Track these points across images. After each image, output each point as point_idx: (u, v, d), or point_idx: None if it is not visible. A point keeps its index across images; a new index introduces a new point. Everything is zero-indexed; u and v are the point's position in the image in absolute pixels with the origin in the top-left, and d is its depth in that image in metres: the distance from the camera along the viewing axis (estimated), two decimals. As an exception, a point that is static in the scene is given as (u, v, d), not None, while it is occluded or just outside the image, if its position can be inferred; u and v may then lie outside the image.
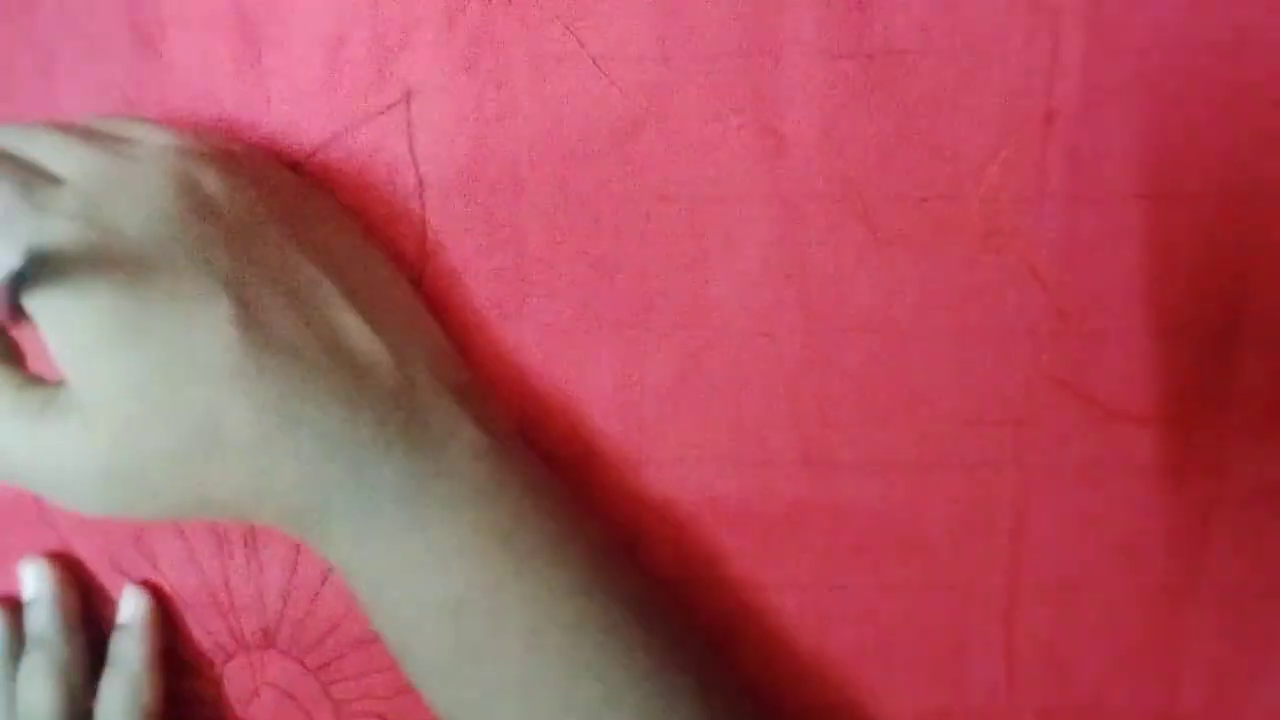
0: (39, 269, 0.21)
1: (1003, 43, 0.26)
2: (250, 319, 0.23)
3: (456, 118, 0.27)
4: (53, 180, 0.23)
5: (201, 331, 0.23)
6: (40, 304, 0.22)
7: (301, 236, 0.25)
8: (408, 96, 0.28)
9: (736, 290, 0.28)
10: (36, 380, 0.24)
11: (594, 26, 0.27)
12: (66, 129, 0.25)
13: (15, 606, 0.31)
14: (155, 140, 0.25)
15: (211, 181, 0.24)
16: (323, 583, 0.31)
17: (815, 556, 0.29)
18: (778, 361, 0.28)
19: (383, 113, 0.28)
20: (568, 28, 0.27)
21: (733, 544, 0.29)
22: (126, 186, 0.23)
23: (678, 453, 0.29)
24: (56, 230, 0.22)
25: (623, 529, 0.29)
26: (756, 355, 0.28)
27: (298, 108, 0.28)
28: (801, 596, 0.29)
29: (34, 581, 0.31)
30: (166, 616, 0.32)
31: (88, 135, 0.25)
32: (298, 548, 0.30)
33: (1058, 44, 0.26)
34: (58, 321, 0.22)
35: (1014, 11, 0.26)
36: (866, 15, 0.26)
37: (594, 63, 0.27)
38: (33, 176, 0.23)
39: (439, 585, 0.24)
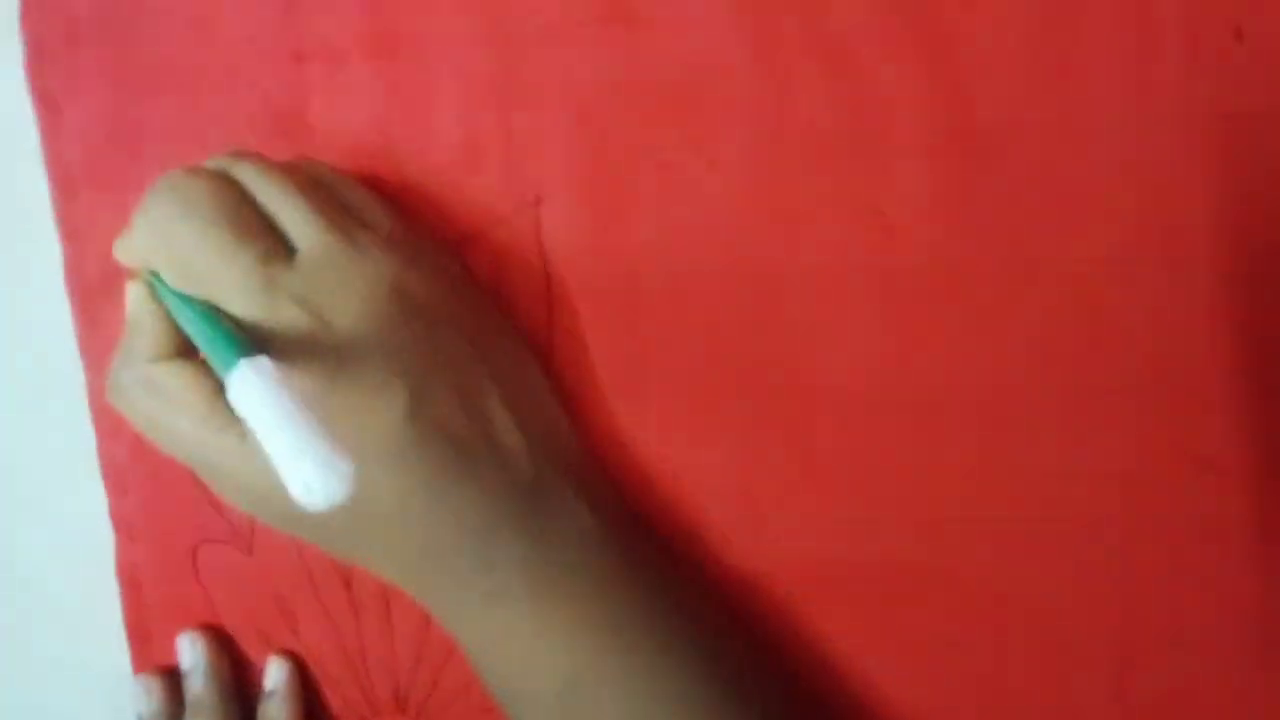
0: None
1: (1103, 121, 0.27)
2: (420, 410, 0.25)
3: (582, 218, 0.30)
4: (287, 252, 0.26)
5: (375, 416, 0.25)
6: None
7: (472, 334, 0.27)
8: (537, 200, 0.30)
9: (844, 367, 0.29)
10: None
11: (707, 130, 0.29)
12: (313, 192, 0.27)
13: (174, 675, 0.34)
14: (381, 226, 0.27)
15: (416, 283, 0.26)
16: (451, 650, 0.32)
17: (928, 619, 0.29)
18: (886, 433, 0.29)
19: (514, 216, 0.30)
20: (683, 132, 0.29)
21: (844, 612, 0.30)
22: (350, 282, 0.25)
23: (788, 526, 0.30)
24: (281, 314, 0.24)
25: (732, 602, 0.30)
26: (865, 429, 0.29)
27: (434, 210, 0.30)
28: (915, 660, 0.29)
29: (190, 652, 0.33)
30: (307, 681, 0.34)
31: (327, 205, 0.27)
32: (428, 614, 0.32)
33: (1159, 124, 0.27)
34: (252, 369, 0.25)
35: (1112, 92, 0.27)
36: (967, 98, 0.27)
37: (706, 162, 0.29)
38: (273, 250, 0.26)
39: (549, 666, 0.26)
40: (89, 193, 0.32)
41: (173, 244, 0.26)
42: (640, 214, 0.29)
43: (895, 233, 0.28)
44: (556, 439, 0.28)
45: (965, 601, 0.29)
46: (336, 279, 0.25)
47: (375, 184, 0.30)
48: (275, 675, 0.33)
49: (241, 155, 0.28)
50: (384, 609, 0.33)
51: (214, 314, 0.25)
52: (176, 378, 0.26)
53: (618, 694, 0.26)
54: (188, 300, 0.25)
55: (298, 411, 0.21)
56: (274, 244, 0.26)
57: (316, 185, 0.28)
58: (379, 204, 0.29)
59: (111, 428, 0.33)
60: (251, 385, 0.22)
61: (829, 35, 0.28)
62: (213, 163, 0.28)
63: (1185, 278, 0.27)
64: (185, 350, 0.27)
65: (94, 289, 0.32)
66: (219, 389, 0.25)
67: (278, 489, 0.23)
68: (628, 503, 0.30)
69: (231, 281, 0.25)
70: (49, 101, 0.31)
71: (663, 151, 0.29)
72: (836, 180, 0.28)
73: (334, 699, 0.34)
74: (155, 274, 0.27)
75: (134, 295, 0.27)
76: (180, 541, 0.33)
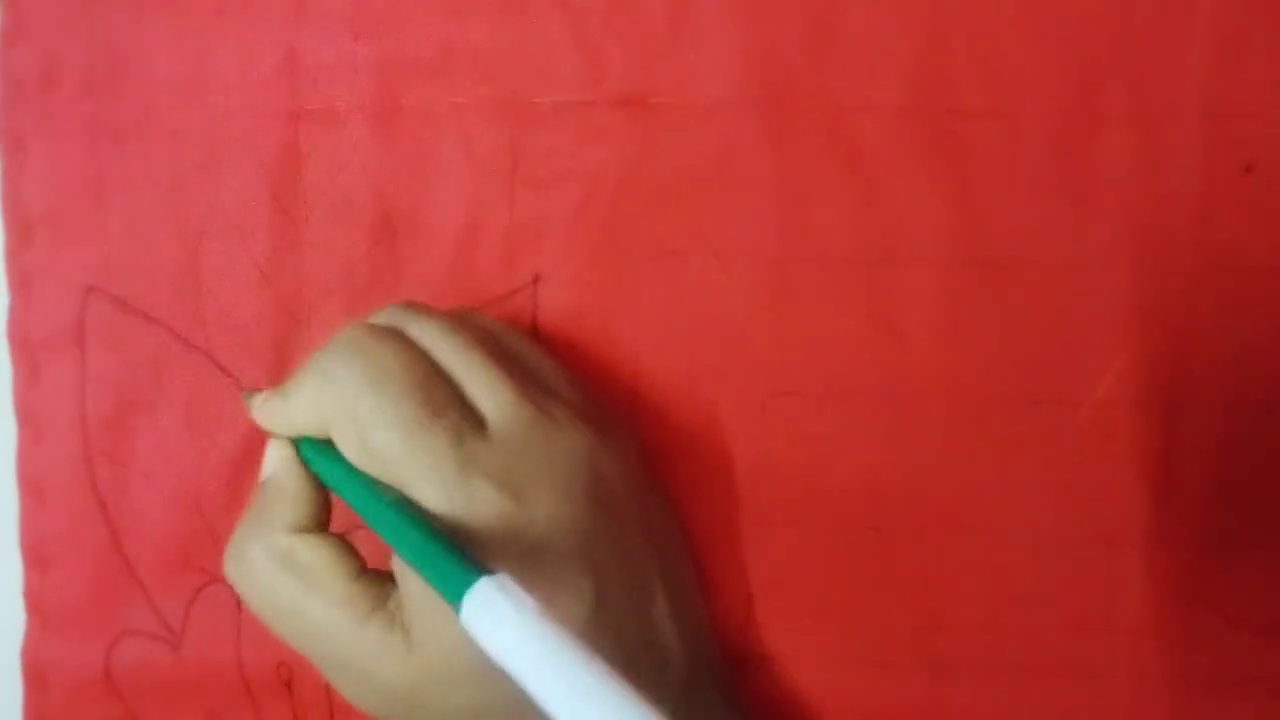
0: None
1: (1117, 256, 0.27)
2: (600, 611, 0.22)
3: (581, 302, 0.28)
4: (479, 424, 0.23)
5: (561, 611, 0.22)
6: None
7: (647, 525, 0.25)
8: (535, 280, 0.29)
9: (850, 485, 0.28)
10: (370, 576, 0.23)
11: (717, 225, 0.28)
12: (497, 357, 0.24)
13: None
14: (569, 396, 0.25)
15: (609, 465, 0.24)
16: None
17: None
18: (890, 559, 0.28)
19: (510, 295, 0.29)
20: (691, 224, 0.28)
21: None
22: (548, 461, 0.23)
23: (788, 651, 0.28)
24: (480, 498, 0.22)
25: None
26: (868, 552, 0.28)
27: (427, 288, 0.29)
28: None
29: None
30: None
31: (516, 371, 0.24)
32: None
33: (1171, 259, 0.27)
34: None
35: (1128, 227, 0.27)
36: (984, 225, 0.27)
37: (715, 258, 0.28)
38: (465, 422, 0.23)
39: None
40: (46, 240, 0.30)
41: (359, 422, 0.22)
42: (643, 304, 0.28)
43: (908, 350, 0.28)
44: (703, 639, 0.26)
45: None
46: (535, 457, 0.23)
47: (373, 253, 0.29)
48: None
49: (414, 309, 0.25)
50: (328, 717, 0.29)
51: (404, 501, 0.22)
52: (319, 552, 0.23)
53: None
54: (372, 484, 0.22)
55: (574, 646, 0.17)
56: (465, 417, 0.23)
57: (497, 346, 0.25)
58: (559, 368, 0.26)
59: (38, 495, 0.30)
60: (502, 612, 0.18)
61: (851, 139, 0.28)
62: (385, 316, 0.25)
63: (1194, 417, 0.27)
64: (326, 524, 0.24)
65: (39, 343, 0.30)
66: (362, 571, 0.23)
67: (426, 689, 0.21)
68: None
69: (423, 463, 0.22)
70: (15, 140, 0.29)
71: (670, 241, 0.28)
72: (850, 290, 0.28)
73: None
74: (310, 441, 0.24)
75: (275, 454, 0.25)
76: (100, 636, 0.30)
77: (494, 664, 0.20)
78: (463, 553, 0.20)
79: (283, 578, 0.23)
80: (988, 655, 0.28)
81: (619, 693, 0.17)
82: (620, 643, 0.23)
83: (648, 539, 0.25)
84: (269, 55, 0.29)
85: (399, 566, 0.23)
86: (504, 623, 0.18)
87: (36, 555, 0.30)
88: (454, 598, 0.19)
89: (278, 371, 0.29)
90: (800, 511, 0.28)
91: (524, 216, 0.28)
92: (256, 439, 0.29)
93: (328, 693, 0.29)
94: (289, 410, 0.24)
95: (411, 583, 0.22)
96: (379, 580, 0.23)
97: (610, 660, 0.22)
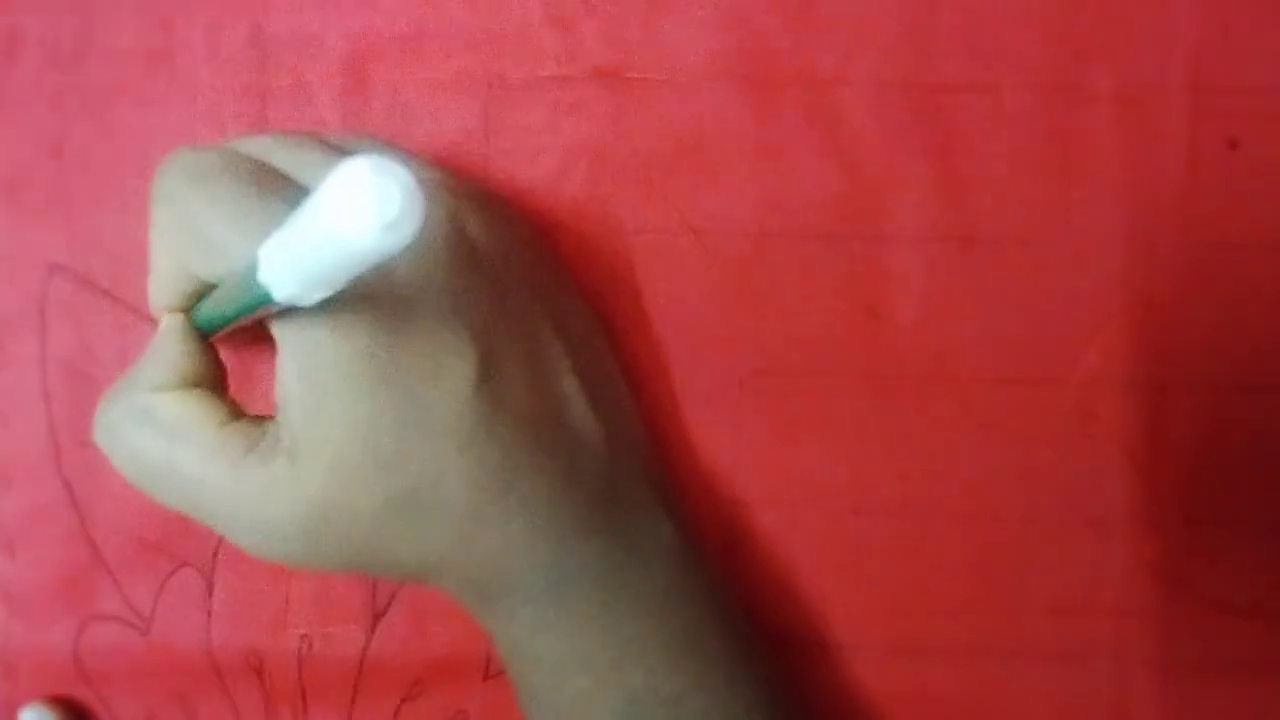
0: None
1: (1101, 232, 0.27)
2: (490, 379, 0.21)
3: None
4: None
5: (444, 388, 0.21)
6: (291, 330, 0.21)
7: (542, 295, 0.24)
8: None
9: (829, 465, 0.28)
10: (240, 417, 0.22)
11: (695, 201, 0.28)
12: (334, 149, 0.23)
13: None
14: (426, 175, 0.23)
15: (476, 228, 0.23)
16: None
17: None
18: (868, 539, 0.28)
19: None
20: (669, 200, 0.28)
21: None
22: None
23: (766, 634, 0.28)
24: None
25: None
26: (847, 532, 0.28)
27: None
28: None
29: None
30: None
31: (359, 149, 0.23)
32: (349, 708, 0.29)
33: (1156, 236, 0.27)
34: (303, 352, 0.21)
35: (1112, 203, 0.27)
36: (966, 201, 0.27)
37: (693, 235, 0.28)
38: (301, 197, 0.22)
39: (615, 683, 0.23)
40: (8, 217, 0.29)
41: (191, 221, 0.21)
42: (620, 280, 0.28)
43: (888, 328, 0.27)
44: (631, 432, 0.25)
45: None
46: None
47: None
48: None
49: (251, 135, 0.24)
50: (300, 703, 0.29)
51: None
52: (181, 405, 0.22)
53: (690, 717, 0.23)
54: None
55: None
56: (300, 193, 0.21)
57: (336, 143, 0.24)
58: (423, 161, 0.25)
59: (4, 477, 0.29)
60: (282, 244, 0.17)
61: (832, 114, 0.27)
62: (224, 141, 0.24)
63: (1181, 404, 0.27)
64: (196, 381, 0.23)
65: (1, 322, 0.29)
66: (232, 418, 0.22)
67: (323, 507, 0.20)
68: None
69: (256, 236, 0.20)
70: (-26, 114, 0.29)
71: (647, 218, 0.28)
72: (830, 267, 0.27)
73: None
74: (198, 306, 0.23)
75: (166, 324, 0.24)
76: (68, 620, 0.29)
77: (388, 444, 0.20)
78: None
79: (147, 435, 0.22)
80: (969, 637, 0.27)
81: (371, 160, 0.15)
82: (521, 414, 0.22)
83: (551, 318, 0.23)
84: (238, 29, 0.28)
85: (291, 394, 0.21)
86: (279, 247, 0.17)
87: (3, 539, 0.29)
88: (254, 278, 0.17)
89: (244, 353, 0.28)
90: (779, 492, 0.28)
91: (497, 192, 0.28)
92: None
93: (299, 677, 0.29)
94: (152, 268, 0.23)
95: (281, 381, 0.21)
96: (251, 421, 0.22)
97: (511, 434, 0.21)
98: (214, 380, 0.23)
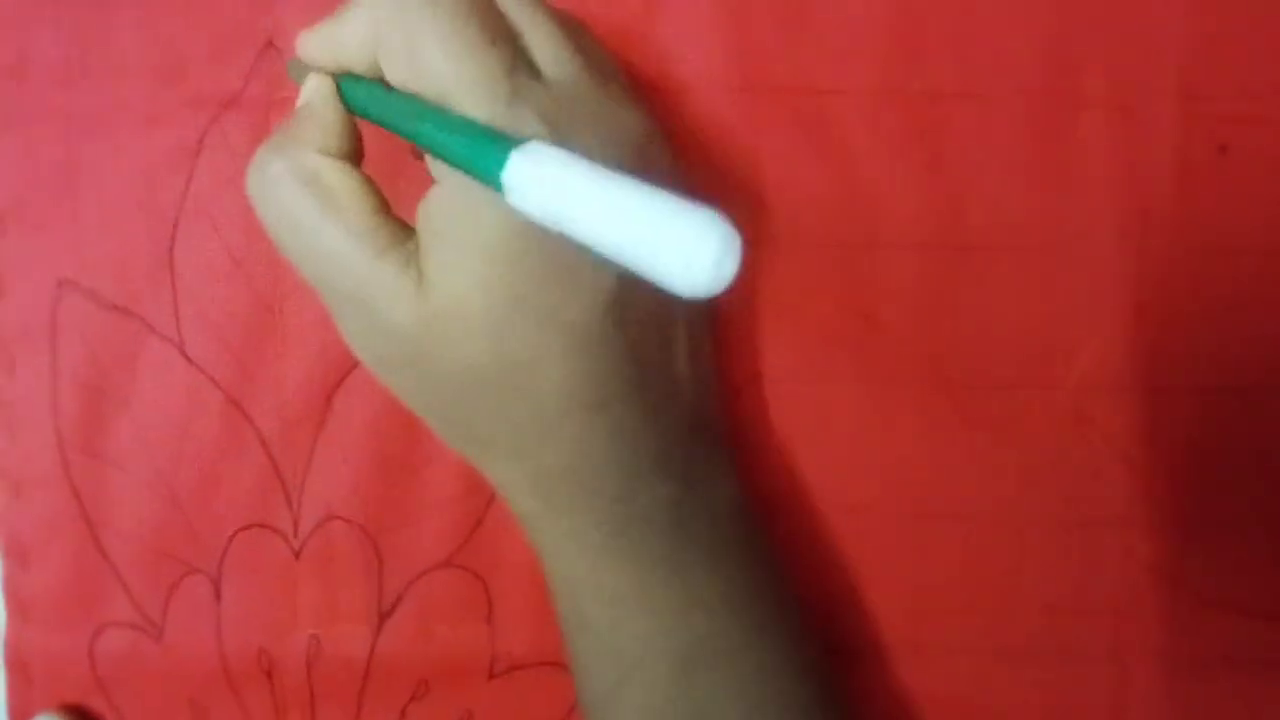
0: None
1: (1093, 238, 0.27)
2: (622, 300, 0.22)
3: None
4: (536, 73, 0.22)
5: (578, 292, 0.21)
6: (458, 176, 0.21)
7: None
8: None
9: (825, 468, 0.28)
10: (391, 215, 0.22)
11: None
12: (568, 28, 0.23)
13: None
14: (629, 95, 0.24)
15: (654, 156, 0.23)
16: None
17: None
18: (867, 541, 0.28)
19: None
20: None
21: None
22: (597, 124, 0.22)
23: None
24: (527, 126, 0.21)
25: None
26: (845, 534, 0.28)
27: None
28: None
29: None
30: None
31: (581, 46, 0.23)
32: (356, 711, 0.29)
33: (1148, 240, 0.27)
34: (463, 200, 0.21)
35: (1104, 209, 0.27)
36: (959, 208, 0.27)
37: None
38: (521, 60, 0.22)
39: (677, 629, 0.23)
40: (17, 233, 0.29)
41: (413, 36, 0.21)
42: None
43: (884, 333, 0.28)
44: (713, 394, 0.26)
45: None
46: (586, 117, 0.22)
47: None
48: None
49: None
50: (309, 705, 0.29)
51: (446, 109, 0.21)
52: (345, 177, 0.22)
53: (733, 675, 0.24)
54: (416, 100, 0.21)
55: (632, 184, 0.16)
56: (521, 57, 0.22)
57: (567, 20, 0.24)
58: (627, 84, 0.25)
59: (15, 488, 0.30)
60: (551, 172, 0.17)
61: (826, 122, 0.28)
62: None
63: (1173, 405, 0.27)
64: (356, 159, 0.23)
65: (12, 337, 0.29)
66: (383, 208, 0.22)
67: (432, 337, 0.20)
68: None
69: (473, 84, 0.21)
70: (-16, 131, 0.29)
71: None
72: (826, 274, 0.28)
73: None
74: (349, 77, 0.23)
75: (315, 83, 0.23)
76: (81, 628, 0.30)
77: (507, 314, 0.21)
78: (502, 134, 0.19)
79: (305, 195, 0.22)
80: (966, 637, 0.28)
81: (661, 195, 0.16)
82: (633, 346, 0.22)
83: None
84: (242, 45, 0.28)
85: (445, 228, 0.21)
86: (551, 173, 0.17)
87: (15, 548, 0.30)
88: (495, 170, 0.18)
89: (250, 363, 0.29)
90: (776, 495, 0.28)
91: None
92: (232, 431, 0.29)
93: (308, 680, 0.29)
94: (338, 31, 0.23)
95: (434, 216, 0.21)
96: (399, 222, 0.22)
97: (627, 355, 0.22)
98: (360, 158, 0.23)
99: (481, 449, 0.24)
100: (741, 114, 0.28)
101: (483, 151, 0.19)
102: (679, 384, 0.24)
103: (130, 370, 0.29)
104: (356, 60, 0.23)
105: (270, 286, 0.29)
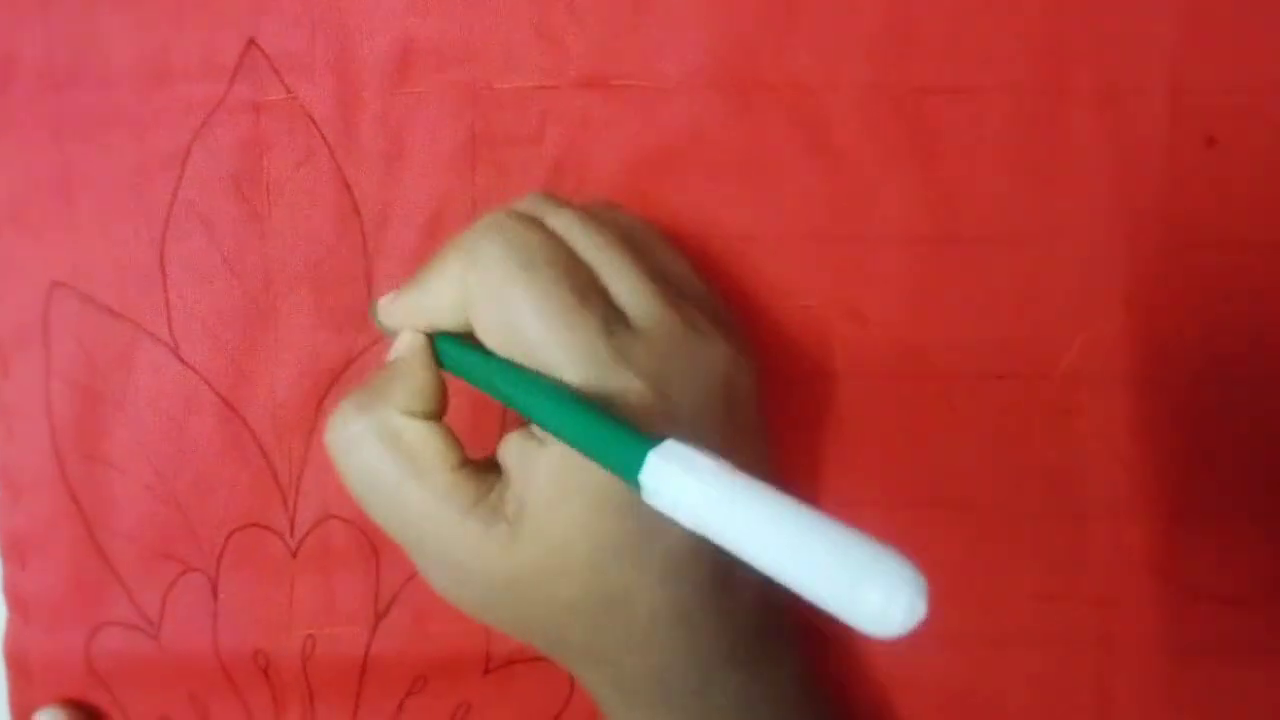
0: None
1: (1083, 231, 0.27)
2: None
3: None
4: (626, 321, 0.23)
5: (670, 529, 0.21)
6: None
7: (761, 449, 0.25)
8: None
9: (816, 462, 0.28)
10: (472, 466, 0.23)
11: (682, 205, 0.28)
12: (645, 270, 0.24)
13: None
14: (704, 302, 0.25)
15: (741, 383, 0.24)
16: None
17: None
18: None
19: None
20: (656, 205, 0.28)
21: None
22: (692, 362, 0.23)
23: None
24: (631, 389, 0.21)
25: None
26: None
27: (395, 277, 0.29)
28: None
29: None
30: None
31: (657, 275, 0.24)
32: (354, 706, 0.30)
33: (1137, 233, 0.27)
34: (586, 464, 0.21)
35: (1093, 202, 0.27)
36: (949, 202, 0.27)
37: (680, 239, 0.28)
38: (615, 319, 0.22)
39: None
40: (10, 236, 0.29)
41: (507, 306, 0.22)
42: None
43: (874, 327, 0.28)
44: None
45: (934, 716, 0.28)
46: (680, 360, 0.22)
47: (339, 243, 0.29)
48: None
49: (551, 200, 0.24)
50: (307, 701, 0.30)
51: (559, 383, 0.21)
52: (426, 437, 0.22)
53: None
54: (519, 370, 0.22)
55: (797, 506, 0.16)
56: (614, 312, 0.22)
57: (636, 245, 0.24)
58: (692, 271, 0.26)
59: (13, 489, 0.30)
60: (694, 484, 0.17)
61: (816, 118, 0.28)
62: (524, 206, 0.24)
63: (1162, 396, 0.27)
64: (439, 414, 0.23)
65: (6, 339, 0.30)
66: (465, 462, 0.23)
67: (527, 583, 0.21)
68: None
69: (571, 349, 0.21)
70: (-25, 135, 0.29)
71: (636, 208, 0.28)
72: (816, 268, 0.28)
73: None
74: (444, 335, 0.23)
75: (409, 342, 0.24)
76: (80, 626, 0.30)
77: (609, 558, 0.21)
78: (631, 426, 0.19)
79: (387, 456, 0.22)
80: (957, 626, 0.28)
81: (834, 525, 0.16)
82: (710, 564, 0.22)
83: (753, 456, 0.24)
84: (231, 47, 0.28)
85: (511, 454, 0.22)
86: (695, 480, 0.17)
87: (14, 548, 0.30)
88: (631, 469, 0.18)
89: (243, 364, 0.29)
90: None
91: (489, 201, 0.28)
92: (227, 431, 0.29)
93: (305, 676, 0.30)
94: (425, 296, 0.23)
95: (531, 472, 0.22)
96: (481, 472, 0.23)
97: (714, 567, 0.22)
98: (445, 413, 0.24)
99: (568, 657, 0.25)
100: (731, 111, 0.28)
101: (616, 448, 0.19)
102: (746, 579, 0.24)
103: (124, 372, 0.29)
104: (448, 324, 0.23)
105: (262, 287, 0.29)
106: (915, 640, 0.27)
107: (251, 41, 0.28)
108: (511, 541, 0.22)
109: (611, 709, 0.25)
